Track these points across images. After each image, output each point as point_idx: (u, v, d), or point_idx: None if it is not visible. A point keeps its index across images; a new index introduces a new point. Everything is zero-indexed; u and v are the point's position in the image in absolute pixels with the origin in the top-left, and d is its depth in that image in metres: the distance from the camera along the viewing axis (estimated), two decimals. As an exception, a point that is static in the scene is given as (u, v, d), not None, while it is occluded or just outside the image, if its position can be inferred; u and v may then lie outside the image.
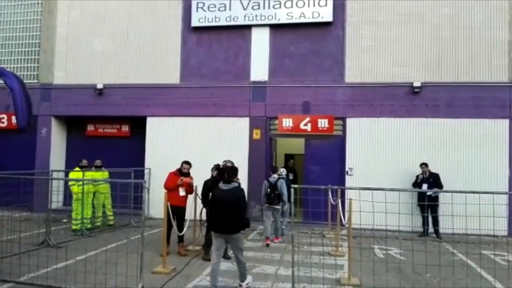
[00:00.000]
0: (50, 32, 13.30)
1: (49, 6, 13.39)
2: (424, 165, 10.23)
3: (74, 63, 13.04)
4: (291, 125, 11.43)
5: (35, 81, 13.18)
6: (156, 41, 12.53)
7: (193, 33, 12.40)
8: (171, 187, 7.62)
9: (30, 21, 13.65)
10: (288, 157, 14.71)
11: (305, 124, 11.35)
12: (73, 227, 9.55)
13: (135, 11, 12.73)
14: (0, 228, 7.73)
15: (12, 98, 5.16)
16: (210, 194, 6.15)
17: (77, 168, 9.95)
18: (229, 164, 7.45)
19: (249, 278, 5.89)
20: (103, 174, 10.23)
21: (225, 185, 5.66)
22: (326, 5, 11.58)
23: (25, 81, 11.38)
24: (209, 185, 7.40)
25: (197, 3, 12.22)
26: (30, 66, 13.46)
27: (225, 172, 5.90)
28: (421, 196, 9.66)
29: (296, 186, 6.76)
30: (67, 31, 13.18)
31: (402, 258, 7.50)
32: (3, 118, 12.93)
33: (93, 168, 10.24)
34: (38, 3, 13.62)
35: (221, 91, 12.01)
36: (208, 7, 12.18)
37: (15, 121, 5.20)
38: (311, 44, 11.77)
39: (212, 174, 7.82)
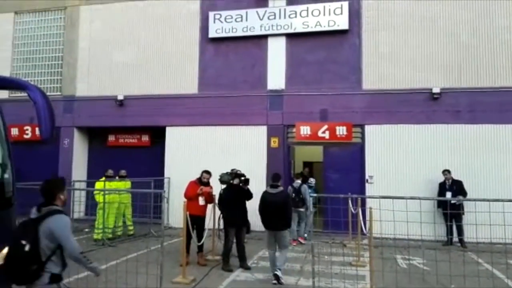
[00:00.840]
0: (72, 45, 13.65)
1: (71, 20, 13.76)
2: (447, 171, 10.05)
3: (96, 75, 13.34)
4: (308, 132, 11.40)
5: (58, 93, 13.51)
6: (174, 52, 12.72)
7: (211, 43, 12.56)
8: (191, 196, 7.69)
9: (53, 35, 14.04)
10: (307, 165, 14.65)
11: (323, 132, 11.31)
12: (95, 236, 9.71)
13: (154, 23, 12.97)
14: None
15: (36, 110, 5.25)
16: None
17: (102, 178, 10.14)
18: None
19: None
20: (125, 184, 10.40)
21: (272, 189, 6.79)
22: (341, 13, 11.57)
23: (48, 93, 11.73)
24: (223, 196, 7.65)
25: (214, 15, 12.38)
26: (54, 79, 13.83)
27: (273, 178, 7.06)
28: (445, 205, 9.45)
29: (315, 195, 6.75)
30: (89, 44, 13.51)
31: (425, 268, 7.35)
32: (27, 129, 13.26)
33: (117, 177, 10.41)
34: (60, 17, 14.01)
35: (238, 100, 12.08)
36: (225, 18, 12.32)
37: (39, 132, 5.29)
38: (327, 52, 11.76)
39: (232, 182, 7.77)
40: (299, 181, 10.05)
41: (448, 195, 9.75)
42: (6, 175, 4.82)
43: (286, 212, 6.63)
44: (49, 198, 3.42)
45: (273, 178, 7.07)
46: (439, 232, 9.68)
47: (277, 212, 6.54)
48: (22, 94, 5.16)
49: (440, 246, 9.40)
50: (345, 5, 11.57)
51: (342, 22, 11.57)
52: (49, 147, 12.95)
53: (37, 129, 13.08)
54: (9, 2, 14.27)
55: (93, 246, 9.08)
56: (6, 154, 4.90)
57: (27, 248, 3.18)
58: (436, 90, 10.82)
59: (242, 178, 7.56)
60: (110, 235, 9.86)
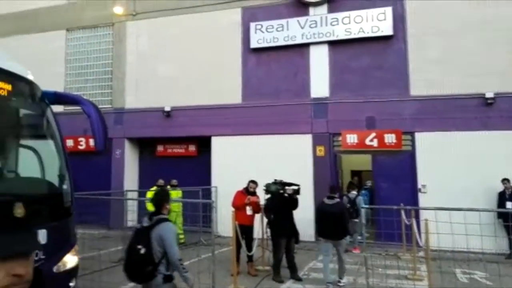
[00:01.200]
0: (121, 60, 14.17)
1: (119, 36, 14.30)
2: (506, 180, 9.52)
3: (143, 88, 13.76)
4: (356, 141, 11.17)
5: (109, 106, 14.03)
6: (218, 63, 12.91)
7: (253, 54, 12.66)
8: (238, 206, 7.72)
9: (102, 51, 14.64)
10: (355, 174, 14.36)
11: (371, 140, 11.05)
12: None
13: (197, 36, 13.23)
14: (81, 246, 8.19)
15: (90, 123, 5.43)
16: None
17: (154, 187, 10.39)
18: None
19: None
20: (176, 193, 10.59)
21: (329, 200, 7.01)
22: (385, 19, 11.34)
23: (100, 106, 12.08)
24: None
25: (256, 25, 12.49)
26: (104, 92, 14.40)
27: (330, 190, 7.33)
28: (506, 216, 8.86)
29: (366, 206, 6.58)
30: (136, 58, 13.98)
31: (488, 283, 6.99)
32: (81, 141, 13.82)
33: (168, 187, 10.63)
34: (109, 33, 14.60)
35: (282, 109, 12.06)
36: (266, 29, 12.39)
37: (93, 144, 5.48)
38: (371, 58, 11.54)
39: (281, 192, 7.68)
40: (354, 192, 9.99)
41: (509, 205, 9.21)
42: (64, 186, 5.00)
43: (343, 222, 6.89)
44: (158, 208, 4.06)
45: (330, 190, 7.31)
46: (501, 244, 9.14)
47: (335, 222, 6.78)
48: (76, 108, 5.36)
49: (502, 259, 8.85)
50: (389, 10, 11.34)
51: (386, 28, 11.33)
52: (102, 158, 13.45)
53: (91, 140, 13.65)
54: (61, 20, 15.03)
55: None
56: (64, 165, 5.09)
57: (142, 251, 3.77)
58: (489, 95, 10.34)
59: (294, 187, 7.46)
60: (163, 244, 10.03)
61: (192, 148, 13.68)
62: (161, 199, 4.12)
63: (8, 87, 4.37)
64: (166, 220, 3.96)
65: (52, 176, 5.01)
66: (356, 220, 9.62)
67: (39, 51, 14.54)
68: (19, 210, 1.27)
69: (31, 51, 14.10)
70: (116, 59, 14.27)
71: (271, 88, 12.35)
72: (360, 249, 9.58)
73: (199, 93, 12.99)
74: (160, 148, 14.11)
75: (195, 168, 13.37)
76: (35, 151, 4.89)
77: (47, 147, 4.97)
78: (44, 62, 14.09)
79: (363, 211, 6.93)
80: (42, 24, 15.06)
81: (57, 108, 5.42)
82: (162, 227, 3.85)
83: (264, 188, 7.85)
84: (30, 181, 4.78)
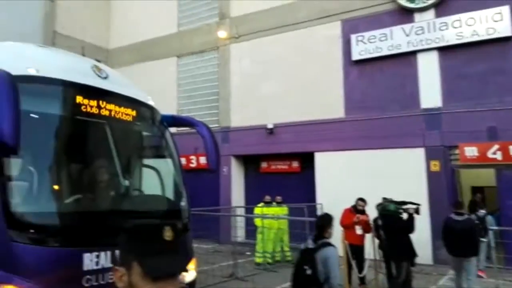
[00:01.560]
0: (226, 81, 14.85)
1: (223, 58, 15.03)
2: None
3: (247, 107, 14.21)
4: (476, 154, 10.15)
5: (216, 125, 14.74)
6: (319, 78, 12.82)
7: (355, 66, 12.34)
8: (347, 224, 7.46)
9: (209, 73, 15.50)
10: (477, 190, 13.02)
11: (494, 153, 9.95)
12: (257, 260, 10.10)
13: (298, 52, 13.32)
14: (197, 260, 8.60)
15: (203, 144, 5.68)
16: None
17: (261, 204, 10.59)
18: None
19: None
20: (282, 210, 10.65)
21: (457, 216, 6.78)
22: (501, 19, 10.25)
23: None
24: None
25: (357, 37, 12.18)
26: (212, 113, 15.19)
27: (455, 206, 7.14)
28: None
29: (496, 228, 5.89)
30: (239, 79, 14.53)
31: None
32: (192, 159, 14.67)
33: (274, 203, 10.75)
34: (214, 57, 15.43)
35: (388, 121, 11.50)
36: (368, 39, 12.01)
37: (206, 163, 5.71)
38: (488, 63, 10.48)
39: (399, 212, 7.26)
40: (483, 211, 9.02)
41: None
42: (183, 203, 5.28)
43: (474, 238, 6.69)
44: (320, 231, 4.27)
45: (456, 206, 7.16)
46: None
47: (465, 238, 6.58)
48: (186, 128, 5.70)
49: None
50: (505, 10, 10.24)
51: (503, 29, 10.25)
52: (211, 175, 14.10)
53: (201, 158, 14.39)
54: (173, 48, 16.29)
55: (256, 270, 9.41)
56: (181, 182, 5.38)
57: (308, 272, 4.01)
58: None
59: (414, 206, 6.97)
60: (270, 260, 10.13)
61: (295, 164, 13.70)
62: (324, 223, 4.33)
63: (133, 112, 4.78)
64: (330, 244, 4.19)
65: (172, 194, 5.34)
66: (484, 239, 8.61)
67: (155, 77, 15.89)
68: (168, 233, 1.32)
69: (147, 78, 15.44)
70: (222, 81, 14.99)
71: (376, 100, 11.87)
72: (486, 274, 8.64)
73: (301, 109, 13.00)
74: (264, 164, 14.38)
75: (299, 184, 13.33)
76: (156, 170, 5.26)
77: (167, 166, 5.30)
78: (159, 87, 15.29)
79: (491, 233, 6.21)
80: (157, 52, 16.47)
81: (171, 129, 5.81)
82: (327, 250, 4.08)
83: (379, 207, 7.41)
84: (154, 199, 5.13)
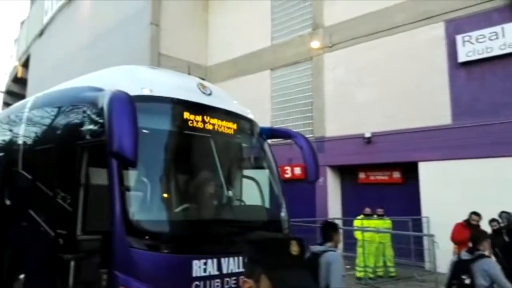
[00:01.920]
0: (319, 91, 14.76)
1: (317, 68, 14.98)
2: None
3: (342, 116, 13.94)
4: None
5: (311, 135, 14.64)
6: (420, 83, 12.10)
7: (461, 68, 11.43)
8: (459, 240, 6.88)
9: (303, 84, 15.53)
10: None
11: None
12: (357, 274, 9.78)
13: (395, 57, 12.74)
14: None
15: (302, 155, 5.70)
16: None
17: (360, 216, 10.29)
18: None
19: None
20: (384, 223, 10.20)
21: None
22: None
23: (303, 137, 12.87)
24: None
25: (463, 37, 11.28)
26: (306, 123, 15.18)
27: None
28: None
29: None
30: (334, 88, 14.34)
31: None
32: (287, 169, 14.76)
33: (375, 216, 10.37)
34: (308, 67, 15.44)
35: (503, 127, 10.42)
36: (476, 39, 11.06)
37: (305, 174, 5.71)
38: None
39: (492, 227, 6.62)
40: None
41: None
42: (282, 214, 5.33)
43: None
44: (475, 244, 4.42)
45: None
46: None
47: None
48: (280, 139, 5.75)
49: None
50: None
51: None
52: (306, 185, 14.05)
53: (295, 169, 14.39)
54: (266, 62, 16.66)
55: (357, 284, 9.12)
56: (280, 193, 5.44)
57: (467, 281, 4.19)
58: None
59: None
60: (372, 275, 9.74)
61: (396, 174, 13.03)
62: (480, 237, 4.51)
63: (235, 126, 4.98)
64: (487, 256, 4.37)
65: (272, 204, 5.42)
66: None
67: (249, 90, 16.36)
68: (294, 248, 1.34)
69: (242, 92, 15.96)
70: (316, 91, 14.92)
71: (488, 104, 10.84)
72: None
73: (401, 116, 12.37)
74: (362, 175, 13.93)
75: (401, 196, 12.64)
76: (256, 181, 5.40)
77: (266, 177, 5.41)
78: (253, 100, 15.70)
79: None
80: (251, 67, 16.97)
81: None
82: (485, 262, 4.21)
83: (504, 222, 6.71)
84: (255, 209, 5.26)
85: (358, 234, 9.79)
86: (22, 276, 5.30)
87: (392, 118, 12.55)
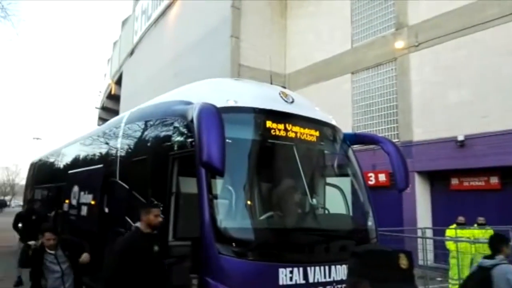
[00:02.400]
0: (405, 92, 14.07)
1: (402, 68, 14.32)
2: None
3: (431, 118, 13.15)
4: None
5: (396, 140, 14.00)
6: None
7: None
8: None
9: (386, 86, 14.93)
10: None
11: None
12: (450, 287, 9.12)
13: (491, 54, 11.70)
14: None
15: (390, 161, 5.45)
16: None
17: (453, 225, 9.66)
18: None
19: None
20: (485, 233, 9.40)
21: None
22: None
23: (387, 141, 12.33)
24: None
25: None
26: (390, 127, 14.57)
27: None
28: None
29: None
30: (421, 89, 13.58)
31: None
32: (371, 176, 14.24)
33: (475, 225, 9.64)
34: (392, 68, 14.83)
35: None
36: None
37: (395, 183, 5.44)
38: None
39: None
40: None
41: None
42: (369, 222, 5.14)
43: None
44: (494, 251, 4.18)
45: None
46: None
47: None
48: (363, 145, 5.53)
49: None
50: None
51: None
52: (392, 193, 13.41)
53: (379, 175, 13.86)
54: (347, 65, 16.29)
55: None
56: (367, 201, 5.25)
57: None
58: None
59: None
60: (470, 289, 9.02)
61: (494, 180, 11.91)
62: (499, 241, 4.27)
63: (318, 133, 4.94)
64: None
65: (358, 212, 5.27)
66: None
67: (329, 96, 16.14)
68: (403, 261, 1.29)
69: (322, 97, 15.78)
70: (401, 93, 14.27)
71: None
72: None
73: (497, 116, 11.32)
74: (454, 181, 12.96)
75: (499, 203, 11.51)
76: (340, 189, 5.28)
77: (351, 185, 5.28)
78: (334, 105, 15.45)
79: None
80: (331, 71, 16.72)
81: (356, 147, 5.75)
82: (507, 269, 3.94)
83: None
84: (341, 218, 5.15)
85: (451, 245, 9.11)
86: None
87: (487, 119, 11.55)
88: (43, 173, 13.04)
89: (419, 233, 11.30)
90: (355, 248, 1.41)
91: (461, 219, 9.73)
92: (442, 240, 9.82)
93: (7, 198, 72.24)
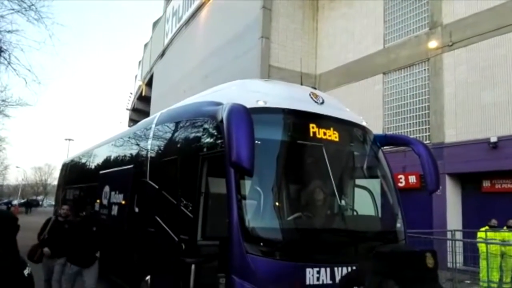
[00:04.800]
0: (438, 93, 13.75)
1: (435, 69, 13.99)
2: None
3: (464, 119, 12.81)
4: None
5: (427, 141, 13.68)
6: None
7: None
8: None
9: (418, 87, 14.63)
10: None
11: None
12: (480, 289, 8.93)
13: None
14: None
15: (421, 163, 5.39)
16: None
17: (484, 228, 9.45)
18: None
19: None
20: (515, 235, 9.18)
21: None
22: None
23: (419, 143, 12.08)
24: None
25: None
26: (422, 128, 14.26)
27: None
28: None
29: None
30: (455, 89, 13.25)
31: None
32: (401, 178, 13.97)
33: (505, 228, 9.40)
34: (424, 69, 14.52)
35: None
36: None
37: (425, 185, 5.36)
38: None
39: None
40: None
41: None
42: (398, 224, 5.07)
43: None
44: None
45: None
46: None
47: None
48: (393, 147, 5.45)
49: None
50: None
51: None
52: (422, 195, 13.14)
53: (409, 177, 13.62)
54: (378, 66, 16.04)
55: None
56: (396, 203, 5.19)
57: None
58: None
59: None
60: (496, 290, 8.81)
61: (526, 183, 11.52)
62: None
63: (348, 134, 4.92)
64: None
65: (387, 214, 5.21)
66: None
67: (360, 96, 15.96)
68: (430, 261, 1.30)
69: (353, 98, 15.64)
70: (433, 93, 13.95)
71: None
72: None
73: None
74: (486, 183, 12.58)
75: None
76: (369, 190, 5.24)
77: (381, 186, 5.22)
78: (364, 106, 15.30)
79: None
80: (362, 72, 16.50)
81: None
82: None
83: None
84: (369, 219, 5.11)
85: (482, 247, 8.94)
86: (148, 277, 5.78)
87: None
88: (75, 173, 13.31)
89: (449, 235, 11.06)
90: (379, 248, 1.41)
91: (494, 222, 9.52)
92: (472, 242, 9.62)
93: (40, 197, 74.65)
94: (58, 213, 7.53)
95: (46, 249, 6.68)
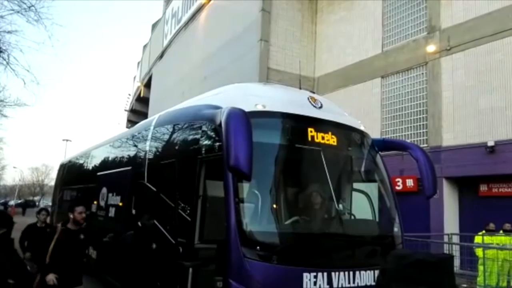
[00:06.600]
0: (435, 97, 13.79)
1: (432, 73, 14.04)
2: None
3: (462, 123, 12.86)
4: None
5: (425, 145, 13.72)
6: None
7: None
8: None
9: (416, 91, 14.66)
10: None
11: None
12: (477, 293, 8.94)
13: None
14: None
15: (418, 168, 5.40)
16: None
17: (481, 232, 9.49)
18: None
19: None
20: (511, 239, 9.19)
21: None
22: None
23: (416, 147, 12.10)
24: None
25: None
26: (419, 132, 14.30)
27: None
28: None
29: None
30: (452, 93, 13.29)
31: None
32: (398, 181, 13.98)
33: (501, 231, 9.43)
34: (422, 73, 14.57)
35: None
36: None
37: (423, 189, 5.38)
38: None
39: None
40: None
41: None
42: (395, 228, 5.08)
43: None
44: None
45: None
46: None
47: None
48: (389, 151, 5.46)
49: None
50: None
51: None
52: (419, 198, 13.17)
53: (407, 180, 13.64)
54: (377, 69, 16.06)
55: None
56: (393, 207, 5.20)
57: None
58: None
59: None
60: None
61: (524, 187, 11.57)
62: None
63: (346, 138, 4.93)
64: None
65: (384, 218, 5.22)
66: None
67: (358, 100, 15.98)
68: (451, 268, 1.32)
69: (351, 101, 15.65)
70: (431, 97, 13.99)
71: None
72: None
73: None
74: (483, 187, 12.63)
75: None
76: (367, 195, 5.25)
77: (379, 190, 5.24)
78: (362, 110, 15.33)
79: None
80: (361, 75, 16.52)
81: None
82: None
83: None
84: (366, 223, 5.11)
85: (479, 251, 8.96)
86: (145, 280, 5.75)
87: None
88: (72, 174, 13.21)
89: (446, 239, 11.09)
90: (396, 252, 1.40)
91: (491, 226, 9.55)
92: (469, 246, 9.65)
93: (36, 198, 74.26)
94: (73, 218, 5.14)
95: (50, 277, 4.72)
